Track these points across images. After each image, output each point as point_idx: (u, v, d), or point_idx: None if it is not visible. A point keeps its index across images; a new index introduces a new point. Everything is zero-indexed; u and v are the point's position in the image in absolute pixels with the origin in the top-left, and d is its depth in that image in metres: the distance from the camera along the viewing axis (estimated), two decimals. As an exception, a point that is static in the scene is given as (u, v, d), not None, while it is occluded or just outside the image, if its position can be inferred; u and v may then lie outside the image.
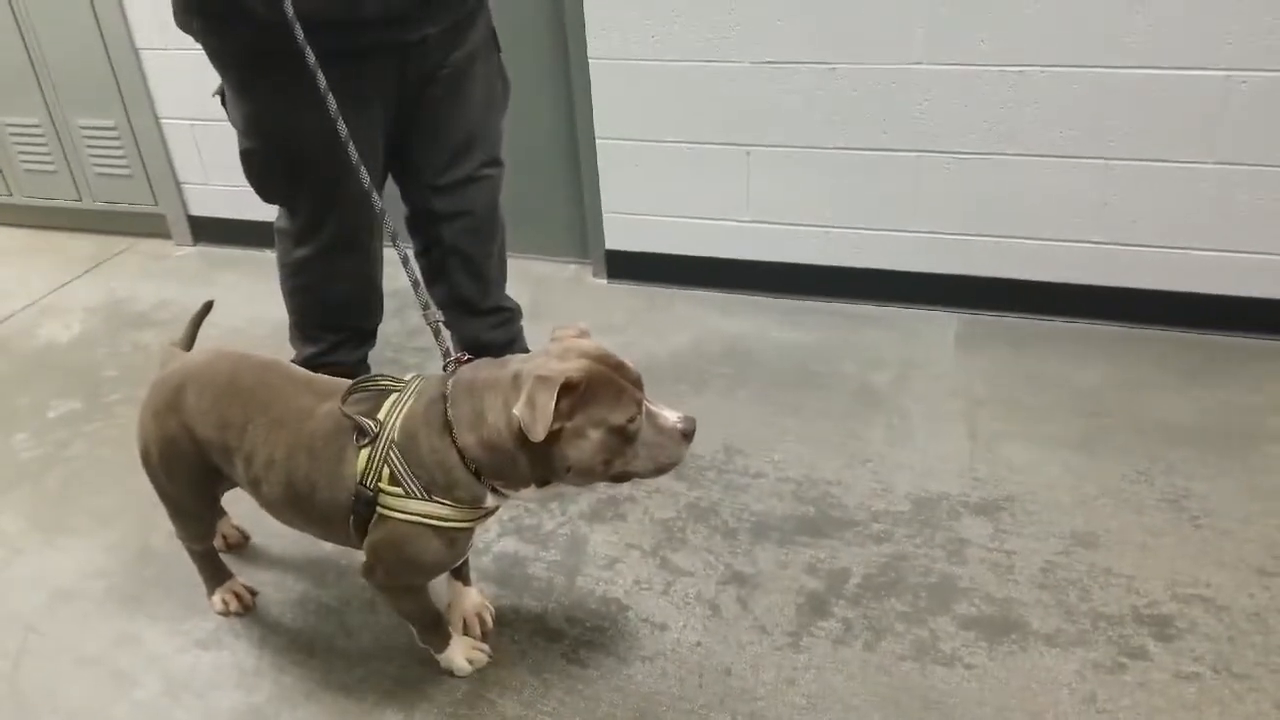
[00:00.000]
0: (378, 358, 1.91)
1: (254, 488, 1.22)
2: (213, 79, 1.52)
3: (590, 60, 2.13)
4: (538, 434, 1.01)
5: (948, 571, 1.45)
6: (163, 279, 2.63)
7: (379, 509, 1.13)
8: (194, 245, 2.80)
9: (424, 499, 1.11)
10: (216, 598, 1.46)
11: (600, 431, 1.05)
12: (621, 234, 2.33)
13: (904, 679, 1.29)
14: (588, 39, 2.11)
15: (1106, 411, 1.78)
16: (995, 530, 1.52)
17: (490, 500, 1.14)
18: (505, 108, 1.69)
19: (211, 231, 2.77)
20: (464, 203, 1.67)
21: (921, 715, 1.24)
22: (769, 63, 2.01)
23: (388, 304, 1.83)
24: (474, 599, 1.40)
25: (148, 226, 2.83)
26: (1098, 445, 1.69)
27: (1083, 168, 1.92)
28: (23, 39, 2.66)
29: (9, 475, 1.85)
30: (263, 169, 1.55)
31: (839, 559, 1.49)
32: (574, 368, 1.05)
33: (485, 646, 1.36)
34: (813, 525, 1.56)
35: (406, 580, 1.22)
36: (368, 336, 1.81)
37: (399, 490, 1.11)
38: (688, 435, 1.10)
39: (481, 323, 1.80)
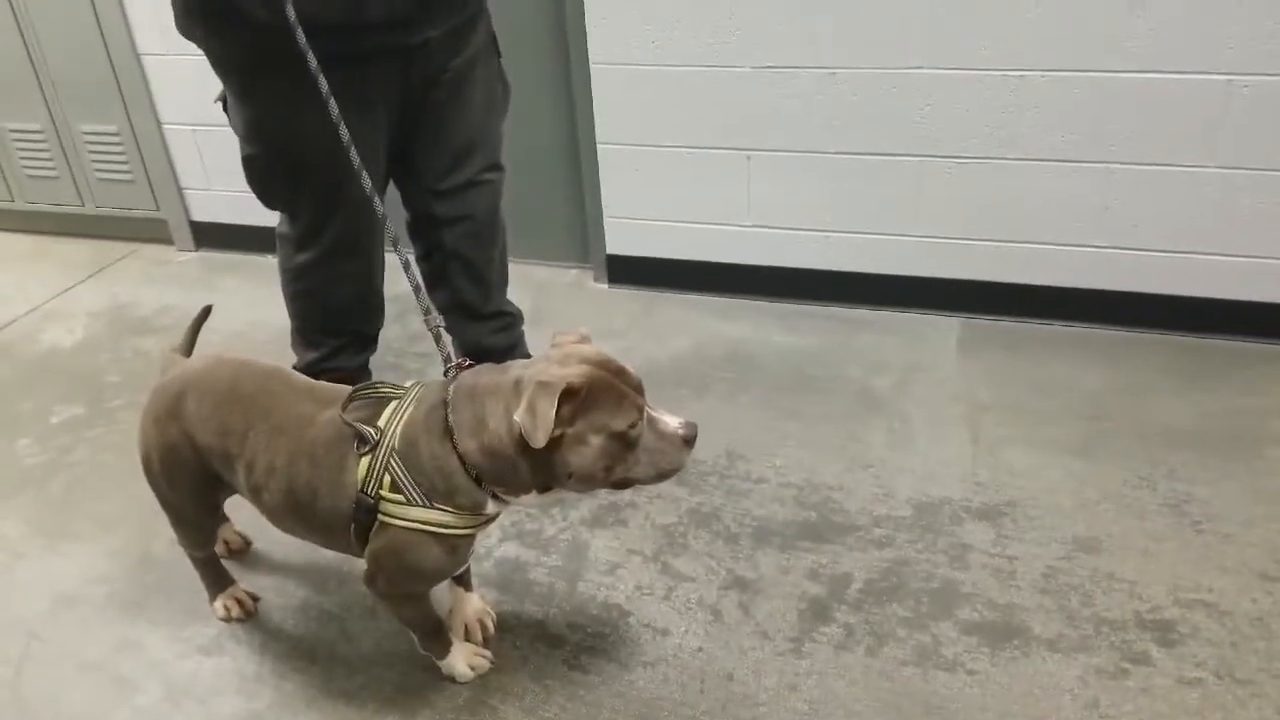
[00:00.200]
0: (379, 363, 1.91)
1: (255, 495, 1.22)
2: (214, 84, 1.53)
3: (591, 65, 2.14)
4: (538, 440, 1.01)
5: (950, 577, 1.45)
6: (165, 284, 2.63)
7: (380, 516, 1.13)
8: (196, 250, 2.81)
9: (425, 506, 1.11)
10: (218, 604, 1.46)
11: (601, 437, 1.05)
12: (622, 239, 2.33)
13: (906, 684, 1.28)
14: (589, 44, 2.12)
15: (1108, 416, 1.77)
16: (997, 535, 1.52)
17: (491, 507, 1.14)
18: (506, 112, 1.69)
19: (213, 237, 2.77)
20: (465, 207, 1.68)
21: (923, 721, 1.24)
22: (769, 67, 2.02)
23: (389, 309, 1.84)
24: (475, 605, 1.40)
25: (150, 232, 2.84)
26: (1099, 450, 1.69)
27: (1084, 172, 1.92)
28: (25, 43, 2.67)
29: (12, 481, 1.85)
30: (264, 174, 1.56)
31: (841, 564, 1.49)
32: (575, 373, 1.05)
33: (487, 653, 1.36)
34: (814, 530, 1.56)
35: (408, 588, 1.22)
36: (369, 341, 1.82)
37: (400, 497, 1.11)
38: (689, 441, 1.10)
39: (483, 327, 1.81)
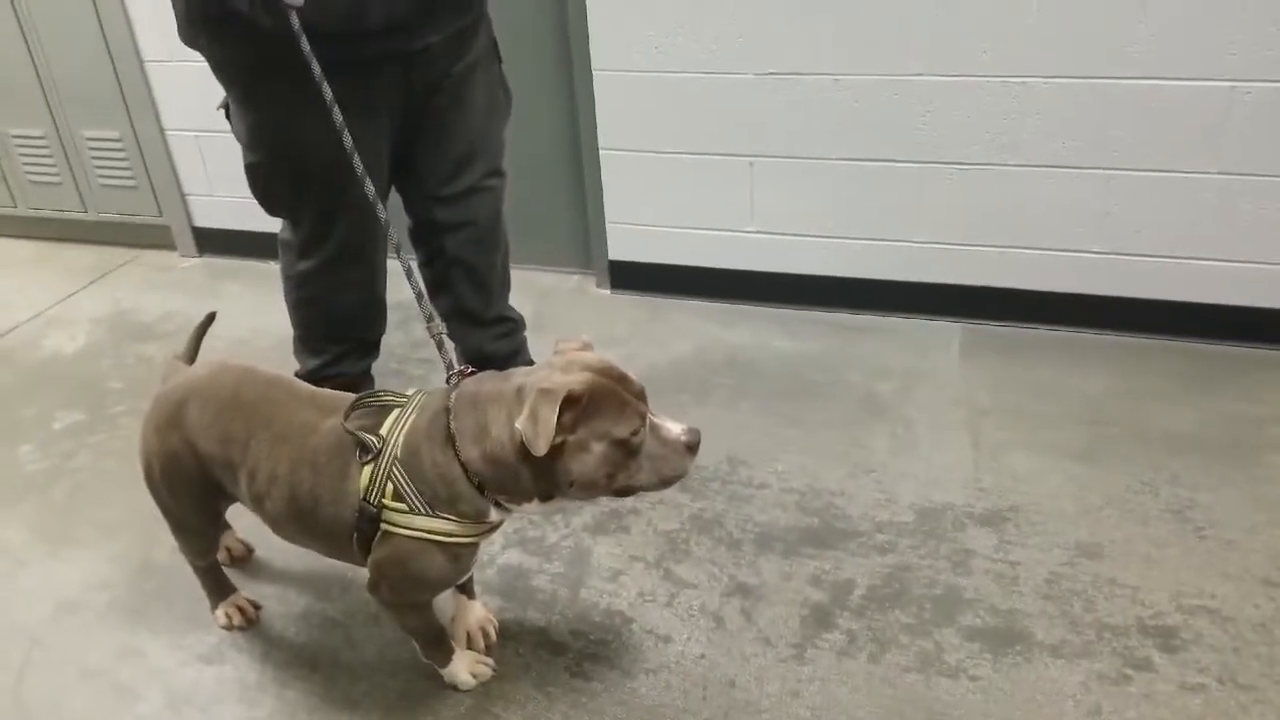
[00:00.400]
0: (382, 369, 1.91)
1: (257, 504, 1.22)
2: (218, 90, 1.53)
3: (594, 71, 2.14)
4: (540, 448, 1.01)
5: (952, 582, 1.44)
6: (167, 290, 2.63)
7: (383, 525, 1.13)
8: (199, 257, 2.81)
9: (428, 514, 1.11)
10: (220, 612, 1.46)
11: (603, 445, 1.05)
12: (625, 245, 2.34)
13: (908, 691, 1.28)
14: (591, 50, 2.12)
15: (1110, 421, 1.77)
16: (1000, 541, 1.52)
17: (494, 515, 1.14)
18: (508, 117, 1.70)
19: (216, 243, 2.78)
20: (467, 213, 1.68)
21: (927, 728, 1.23)
22: (772, 74, 2.02)
23: (391, 316, 1.84)
24: (478, 613, 1.40)
25: (152, 238, 2.85)
26: (1102, 455, 1.69)
27: (1085, 178, 1.93)
28: (29, 50, 2.68)
29: (15, 487, 1.85)
30: (267, 181, 1.56)
31: (843, 570, 1.49)
32: (577, 380, 1.05)
33: (489, 660, 1.35)
34: (817, 536, 1.56)
35: (411, 596, 1.22)
36: (372, 348, 1.82)
37: (403, 506, 1.11)
38: (692, 448, 1.10)
39: (485, 334, 1.81)
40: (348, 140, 1.27)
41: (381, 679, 1.36)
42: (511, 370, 1.14)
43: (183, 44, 1.48)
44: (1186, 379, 1.88)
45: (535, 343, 1.90)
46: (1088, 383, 1.89)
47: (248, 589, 1.51)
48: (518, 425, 1.03)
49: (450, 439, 1.09)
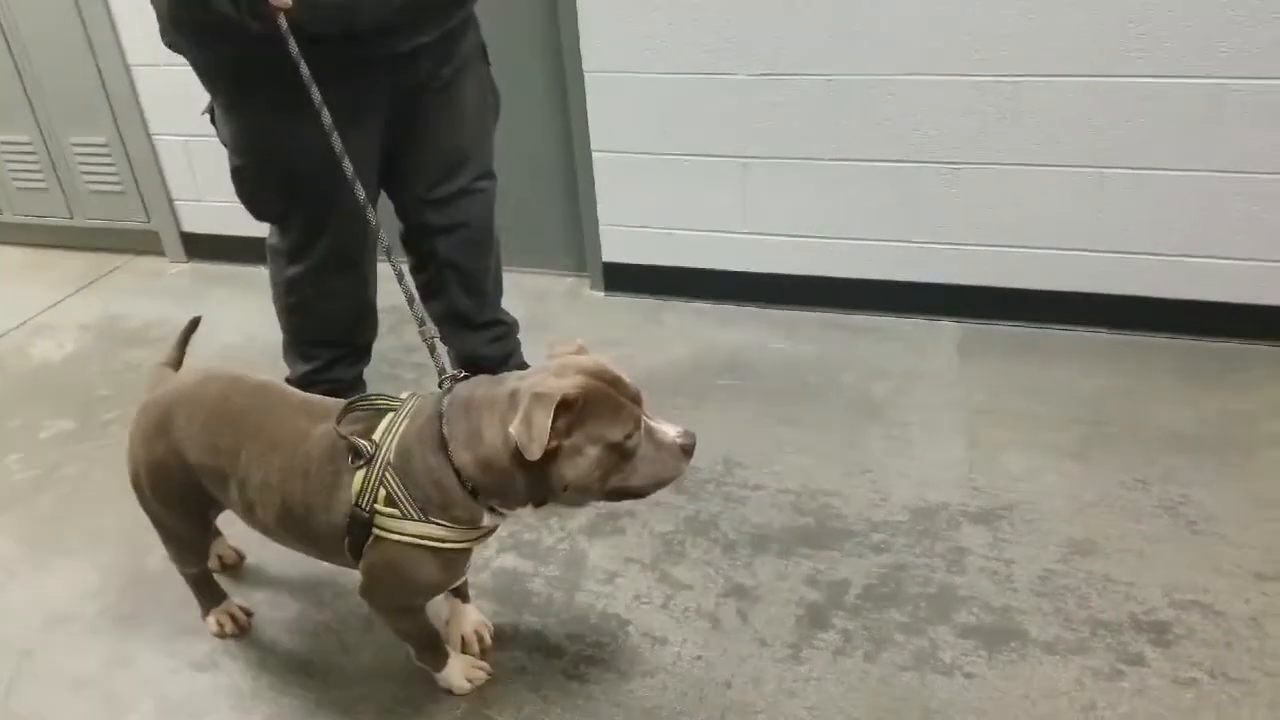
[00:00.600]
0: (374, 374, 1.90)
1: (248, 512, 1.22)
2: (205, 94, 1.52)
3: (585, 73, 2.14)
4: (534, 453, 1.01)
5: (947, 581, 1.45)
6: (156, 297, 2.62)
7: (375, 531, 1.12)
8: (187, 262, 2.80)
9: (420, 520, 1.10)
10: (212, 620, 1.45)
11: (598, 449, 1.05)
12: (619, 246, 2.33)
13: (904, 689, 1.28)
14: (583, 52, 2.12)
15: (1105, 419, 1.78)
16: (994, 539, 1.52)
17: (488, 520, 1.13)
18: (497, 120, 1.69)
19: (205, 248, 2.76)
20: (459, 216, 1.67)
21: (923, 727, 1.23)
22: (765, 74, 2.02)
23: (384, 320, 1.83)
24: (473, 617, 1.39)
25: (141, 244, 2.83)
26: (1096, 453, 1.69)
27: (1078, 176, 1.93)
28: (12, 55, 2.65)
29: (2, 497, 1.84)
30: (254, 186, 1.55)
31: (839, 570, 1.49)
32: (571, 384, 1.04)
33: (484, 664, 1.35)
34: (812, 536, 1.56)
35: (404, 601, 1.22)
36: (363, 353, 1.81)
37: (395, 512, 1.10)
38: (688, 450, 1.10)
39: (478, 337, 1.80)
40: (337, 144, 1.26)
41: (377, 684, 1.36)
42: (505, 374, 1.13)
43: (166, 48, 1.47)
44: (1181, 376, 1.89)
45: (529, 346, 1.90)
46: (1083, 381, 1.90)
47: (240, 596, 1.50)
48: (511, 430, 1.03)
49: (443, 444, 1.09)
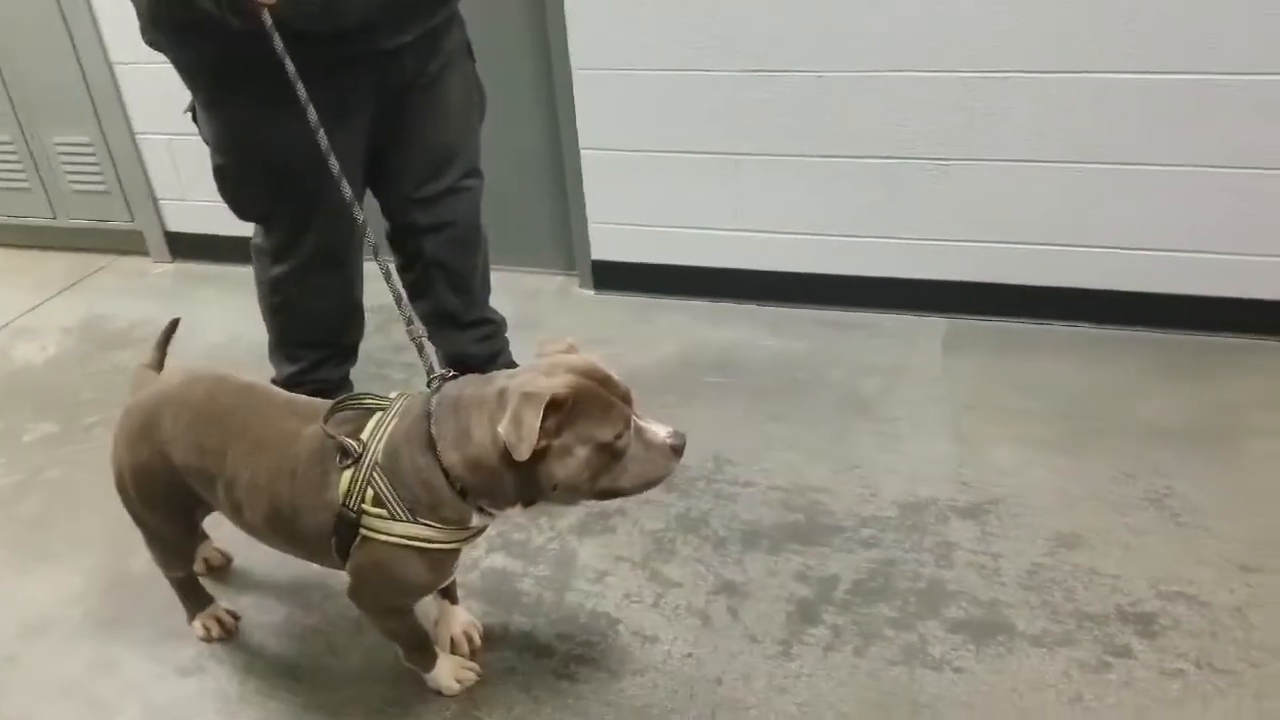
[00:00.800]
0: (362, 374, 1.89)
1: (235, 513, 1.21)
2: (188, 93, 1.50)
3: (573, 70, 2.13)
4: (523, 453, 1.00)
5: (935, 575, 1.45)
6: (141, 297, 2.59)
7: (362, 531, 1.11)
8: (172, 262, 2.77)
9: (408, 520, 1.09)
10: (197, 623, 1.43)
11: (587, 449, 1.04)
12: (608, 244, 2.33)
13: (893, 684, 1.29)
14: (570, 49, 2.11)
15: (1091, 413, 1.79)
16: (982, 533, 1.53)
17: (476, 520, 1.13)
18: (482, 118, 1.68)
19: (190, 248, 2.74)
20: (446, 214, 1.67)
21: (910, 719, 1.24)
22: (754, 71, 2.02)
23: (371, 319, 1.82)
24: (462, 618, 1.39)
25: (125, 244, 2.80)
26: (1082, 446, 1.70)
27: (1063, 172, 1.94)
28: (-7, 55, 2.62)
29: (-16, 501, 1.82)
30: (237, 185, 1.54)
31: (828, 566, 1.49)
32: (560, 383, 1.03)
33: (474, 665, 1.34)
34: (802, 533, 1.56)
35: (392, 602, 1.21)
36: (349, 353, 1.79)
37: (383, 512, 1.09)
38: (678, 450, 1.09)
39: (466, 336, 1.79)
40: (324, 141, 1.25)
41: (365, 686, 1.35)
42: (494, 373, 1.13)
43: (146, 46, 1.45)
44: (1166, 370, 1.90)
45: (519, 344, 1.89)
46: (1070, 375, 1.91)
47: (226, 599, 1.49)
48: (500, 430, 1.02)
49: (431, 443, 1.08)
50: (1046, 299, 2.07)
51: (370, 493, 1.10)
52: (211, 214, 2.58)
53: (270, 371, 1.76)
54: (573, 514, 1.63)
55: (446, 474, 1.08)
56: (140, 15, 1.41)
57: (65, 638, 1.48)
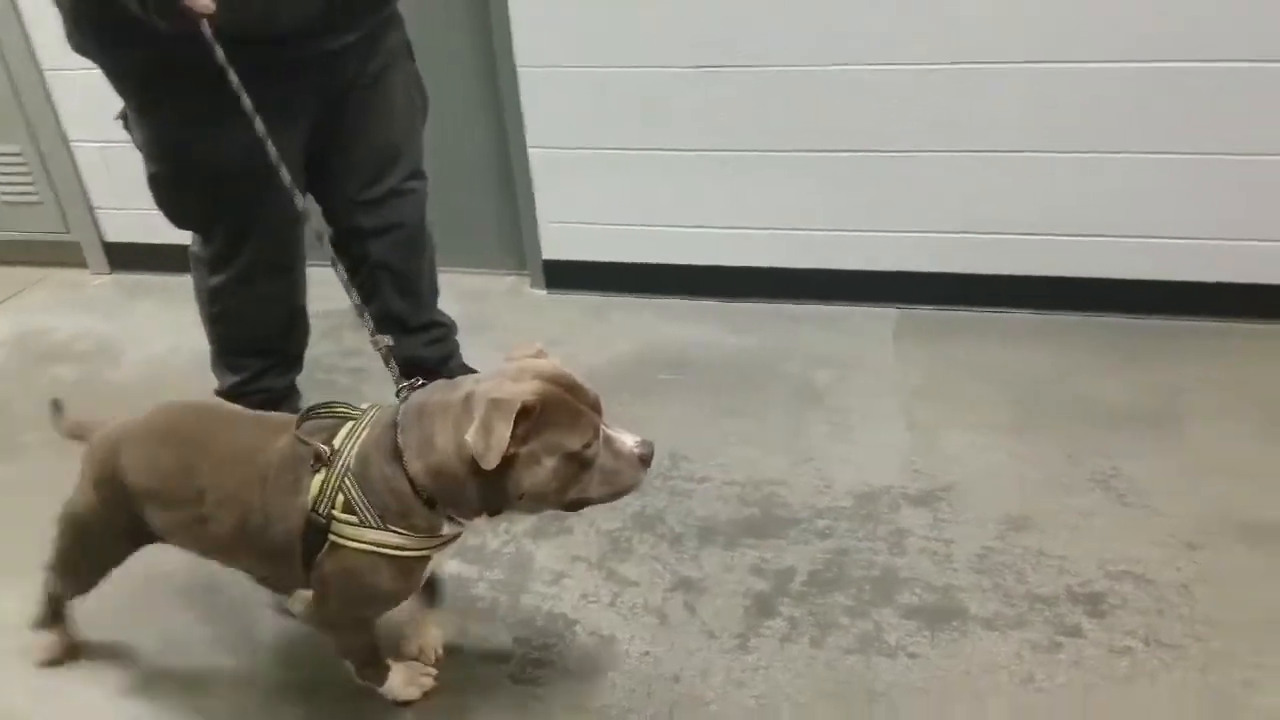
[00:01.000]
0: (308, 381, 1.84)
1: (199, 526, 1.16)
2: (119, 99, 1.45)
3: (518, 68, 2.11)
4: (490, 461, 0.97)
5: (889, 563, 1.47)
6: (78, 310, 2.51)
7: (331, 537, 1.08)
8: (110, 273, 2.69)
9: (379, 528, 1.07)
10: (42, 639, 1.40)
11: (555, 458, 1.02)
12: (559, 243, 2.31)
13: (849, 673, 1.30)
14: (514, 47, 2.09)
15: (1039, 397, 1.82)
16: (934, 519, 1.55)
17: (448, 529, 1.10)
18: (425, 120, 1.66)
19: (129, 258, 2.65)
20: (391, 216, 1.64)
21: (867, 707, 1.25)
22: (704, 66, 2.02)
23: (319, 325, 1.78)
24: (432, 631, 1.36)
25: (61, 255, 2.70)
26: (1030, 431, 1.73)
27: (1011, 161, 1.96)
28: (-85, 63, 2.51)
29: (-88, 527, 1.74)
30: (172, 192, 1.50)
31: (784, 558, 1.50)
32: (529, 390, 1.00)
33: (432, 670, 1.32)
34: (758, 526, 1.57)
35: (358, 613, 1.18)
36: (294, 361, 1.75)
37: (353, 519, 1.07)
38: (645, 460, 1.07)
39: (415, 340, 1.76)
40: (273, 152, 1.22)
41: (321, 701, 1.32)
42: (460, 379, 1.10)
43: (73, 52, 1.40)
44: (1110, 353, 1.94)
45: (471, 347, 1.87)
46: (1018, 361, 1.95)
47: (173, 610, 1.44)
48: (467, 438, 0.99)
49: (398, 453, 1.05)
50: (995, 286, 2.10)
51: (341, 499, 1.07)
52: (150, 223, 2.48)
53: (213, 382, 1.72)
54: (530, 518, 1.61)
55: (412, 483, 1.05)
56: (65, 18, 1.36)
57: (6, 666, 1.42)
